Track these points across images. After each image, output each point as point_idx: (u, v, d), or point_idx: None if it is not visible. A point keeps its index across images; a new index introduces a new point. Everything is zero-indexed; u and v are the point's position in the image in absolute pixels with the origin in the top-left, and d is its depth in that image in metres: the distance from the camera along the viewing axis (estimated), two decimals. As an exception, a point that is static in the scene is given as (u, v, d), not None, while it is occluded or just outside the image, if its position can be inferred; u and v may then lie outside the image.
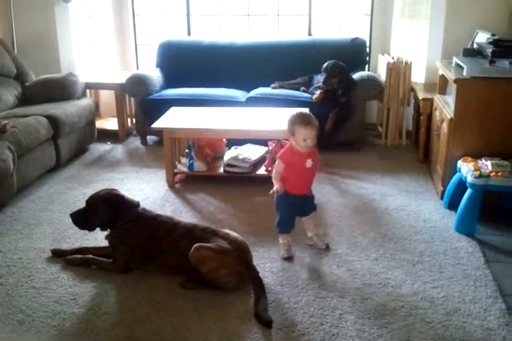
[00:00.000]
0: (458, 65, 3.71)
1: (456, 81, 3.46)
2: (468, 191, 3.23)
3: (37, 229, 3.38)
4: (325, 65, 4.80)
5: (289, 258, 2.97)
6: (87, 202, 2.89)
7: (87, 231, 3.04)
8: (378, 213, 3.59)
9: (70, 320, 2.46)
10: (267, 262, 2.94)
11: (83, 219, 2.88)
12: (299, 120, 2.84)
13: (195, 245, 2.65)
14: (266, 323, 2.39)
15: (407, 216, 3.53)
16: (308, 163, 2.90)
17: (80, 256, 2.97)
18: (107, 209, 2.82)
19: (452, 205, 3.54)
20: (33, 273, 2.87)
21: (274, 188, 2.90)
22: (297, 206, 3.01)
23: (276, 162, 2.98)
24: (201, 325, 2.41)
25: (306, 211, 3.08)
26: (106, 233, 2.95)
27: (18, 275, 2.84)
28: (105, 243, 2.97)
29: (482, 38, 3.98)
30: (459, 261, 2.95)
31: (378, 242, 3.17)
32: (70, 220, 2.90)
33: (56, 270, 2.90)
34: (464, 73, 3.46)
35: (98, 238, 3.15)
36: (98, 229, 2.93)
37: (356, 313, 2.48)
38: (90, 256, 2.96)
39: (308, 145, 2.85)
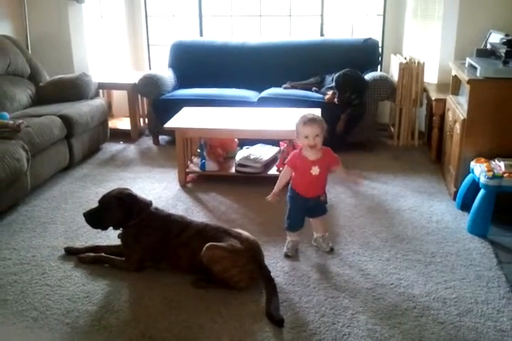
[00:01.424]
0: (471, 65, 3.70)
1: (469, 82, 3.45)
2: (482, 192, 3.21)
3: (50, 228, 3.40)
4: (335, 79, 4.73)
5: (288, 256, 2.98)
6: (99, 201, 2.91)
7: (99, 230, 3.05)
8: (390, 213, 3.58)
9: (83, 317, 2.48)
10: (278, 261, 2.95)
11: (96, 218, 2.90)
12: (302, 118, 2.87)
13: (207, 244, 2.66)
14: (277, 322, 2.40)
15: (419, 216, 3.52)
16: (314, 170, 2.89)
17: (92, 254, 2.99)
18: (119, 209, 2.84)
19: (465, 206, 3.53)
20: (47, 270, 2.89)
21: (269, 195, 3.01)
22: (306, 207, 3.01)
23: (285, 167, 3.00)
24: (213, 324, 2.42)
25: (315, 213, 3.07)
26: (119, 232, 2.97)
27: (32, 272, 2.87)
28: (118, 241, 2.99)
29: (495, 38, 3.95)
30: (471, 262, 2.93)
31: (390, 243, 3.17)
32: (83, 219, 2.93)
33: (69, 268, 2.92)
34: (478, 74, 3.45)
35: (111, 236, 3.17)
36: (111, 228, 2.94)
37: (368, 313, 2.48)
38: (103, 254, 2.98)
39: (310, 144, 2.83)
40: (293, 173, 2.96)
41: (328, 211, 3.12)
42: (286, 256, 3.00)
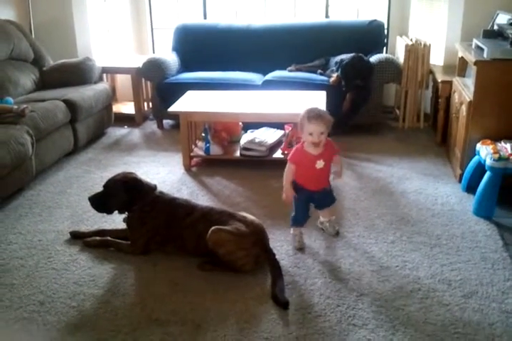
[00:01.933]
0: (478, 46, 3.66)
1: (476, 63, 3.41)
2: (487, 174, 3.20)
3: (56, 212, 3.42)
4: (343, 67, 4.64)
5: (300, 249, 2.92)
6: (104, 185, 2.91)
7: (105, 214, 3.06)
8: (395, 196, 3.57)
9: (89, 300, 2.50)
10: (283, 245, 2.95)
11: (101, 202, 2.91)
12: (307, 113, 2.73)
13: (213, 228, 2.67)
14: (283, 304, 2.41)
15: (424, 199, 3.51)
16: (319, 164, 2.80)
17: (98, 238, 3.00)
18: (124, 193, 2.85)
19: (470, 188, 3.51)
20: (53, 254, 2.91)
21: (283, 195, 2.90)
22: (311, 200, 2.95)
23: (287, 164, 2.88)
24: (219, 306, 2.43)
25: (324, 204, 3.02)
26: (124, 216, 2.98)
27: (38, 257, 2.89)
28: (123, 225, 3.00)
29: (503, 19, 3.91)
30: (476, 244, 2.93)
31: (395, 225, 3.16)
32: (88, 203, 2.93)
33: (75, 252, 2.93)
34: (485, 55, 3.41)
35: (116, 220, 3.18)
36: (116, 212, 2.95)
37: (373, 295, 2.49)
38: (108, 238, 2.99)
39: (314, 141, 2.72)
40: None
41: (336, 199, 3.07)
42: (299, 249, 2.91)
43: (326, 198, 2.99)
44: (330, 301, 2.45)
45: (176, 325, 2.31)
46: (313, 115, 2.71)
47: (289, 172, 2.86)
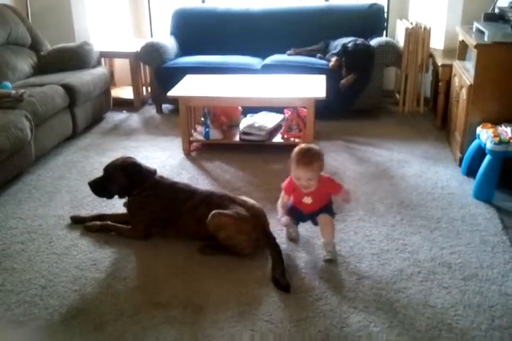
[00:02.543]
0: (479, 30, 3.63)
1: (477, 46, 3.39)
2: (488, 157, 3.20)
3: (55, 197, 3.41)
4: (345, 53, 4.62)
5: (292, 240, 2.84)
6: (104, 170, 2.90)
7: (105, 199, 3.05)
8: (395, 180, 3.57)
9: (90, 284, 2.51)
10: (283, 228, 2.94)
11: (101, 187, 2.91)
12: (296, 157, 2.53)
13: (213, 212, 2.67)
14: (284, 287, 2.42)
15: (424, 183, 3.51)
16: (306, 199, 2.64)
17: (98, 222, 3.01)
18: (124, 178, 2.84)
19: (470, 172, 3.51)
20: (53, 239, 2.91)
21: (281, 220, 2.72)
22: (307, 219, 2.79)
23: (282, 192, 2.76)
24: (220, 290, 2.44)
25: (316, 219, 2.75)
26: (124, 200, 2.98)
27: (39, 241, 2.89)
28: (123, 210, 2.99)
29: (504, 2, 3.87)
30: (476, 228, 2.94)
31: (395, 209, 3.17)
32: (88, 188, 2.93)
33: (76, 236, 2.94)
34: (485, 38, 3.39)
35: (116, 205, 3.18)
36: (116, 196, 2.95)
37: (373, 278, 2.50)
38: (109, 222, 2.99)
39: (302, 185, 2.57)
40: None
41: (336, 214, 2.78)
42: (291, 240, 2.84)
43: (320, 213, 2.71)
44: (330, 284, 2.46)
45: (177, 309, 2.32)
46: (302, 162, 2.50)
47: (282, 200, 2.77)
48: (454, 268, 2.57)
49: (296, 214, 2.74)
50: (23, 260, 2.71)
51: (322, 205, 2.68)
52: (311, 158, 2.52)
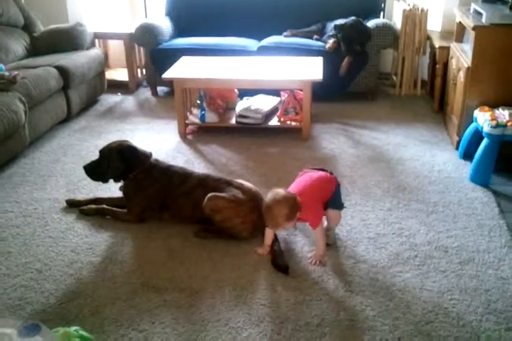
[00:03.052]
0: (476, 11, 3.59)
1: (474, 28, 3.36)
2: (485, 141, 3.18)
3: (50, 180, 3.39)
4: (342, 29, 4.58)
5: None
6: (99, 153, 2.88)
7: (100, 182, 3.03)
8: (392, 163, 3.56)
9: (86, 268, 2.50)
10: (280, 212, 2.94)
11: (96, 171, 2.89)
12: (265, 202, 2.46)
13: (209, 195, 2.66)
14: (283, 269, 2.43)
15: (421, 166, 3.50)
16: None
17: (94, 206, 2.99)
18: (119, 161, 2.82)
19: (467, 155, 3.50)
20: (49, 223, 2.89)
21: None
22: None
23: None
24: (216, 273, 2.44)
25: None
26: (120, 184, 2.96)
27: (34, 225, 2.87)
28: (119, 193, 2.98)
29: (503, -18, 3.83)
30: (473, 211, 2.94)
31: (392, 192, 3.16)
32: (84, 172, 2.91)
33: (71, 220, 2.92)
34: (483, 20, 3.35)
35: (112, 189, 3.15)
36: (111, 180, 2.93)
37: (370, 262, 2.50)
38: (105, 206, 2.98)
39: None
40: None
41: (343, 205, 2.67)
42: None
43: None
44: (327, 268, 2.46)
45: (173, 292, 2.32)
46: (270, 224, 2.47)
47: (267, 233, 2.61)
48: (451, 252, 2.57)
49: None
50: (18, 244, 2.70)
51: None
52: (274, 220, 2.41)
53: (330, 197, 2.57)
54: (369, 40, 4.61)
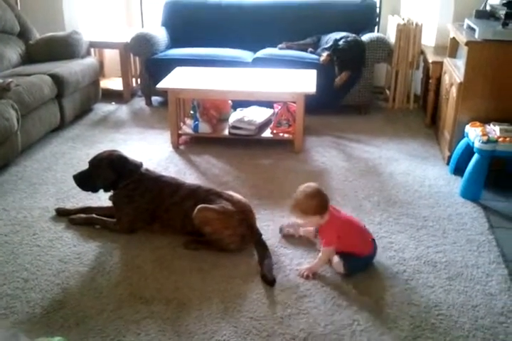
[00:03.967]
0: (470, 27, 3.63)
1: (467, 44, 3.39)
2: (476, 156, 3.20)
3: (41, 189, 3.38)
4: (338, 49, 4.60)
5: (285, 236, 2.84)
6: (89, 163, 2.87)
7: (90, 192, 3.03)
8: (383, 177, 3.57)
9: (74, 278, 2.49)
10: (270, 224, 2.94)
11: (86, 180, 2.88)
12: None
13: (199, 206, 2.65)
14: (270, 282, 2.42)
15: (412, 180, 3.51)
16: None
17: (84, 215, 2.98)
18: (109, 171, 2.81)
19: (458, 170, 3.51)
20: (37, 231, 2.88)
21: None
22: None
23: None
24: (204, 285, 2.43)
25: None
26: (110, 193, 2.95)
27: (23, 233, 2.86)
28: (109, 203, 2.97)
29: (495, -1, 3.87)
30: (463, 227, 2.94)
31: (382, 206, 3.16)
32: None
33: (60, 229, 2.91)
34: (476, 36, 3.38)
35: (102, 198, 3.14)
36: (101, 190, 2.92)
37: (358, 276, 2.49)
38: (94, 215, 2.97)
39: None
40: None
41: (347, 271, 2.52)
42: (284, 235, 2.83)
43: None
44: (315, 281, 2.46)
45: (160, 304, 2.31)
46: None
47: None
48: (440, 267, 2.57)
49: None
50: (6, 252, 2.68)
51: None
52: (291, 210, 2.55)
53: (350, 251, 2.52)
54: (364, 57, 4.64)
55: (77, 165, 3.65)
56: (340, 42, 4.63)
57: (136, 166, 2.89)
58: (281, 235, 2.84)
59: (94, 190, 2.92)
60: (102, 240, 2.80)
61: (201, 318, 2.22)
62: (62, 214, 3.04)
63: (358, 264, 2.53)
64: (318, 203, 2.47)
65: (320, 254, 2.53)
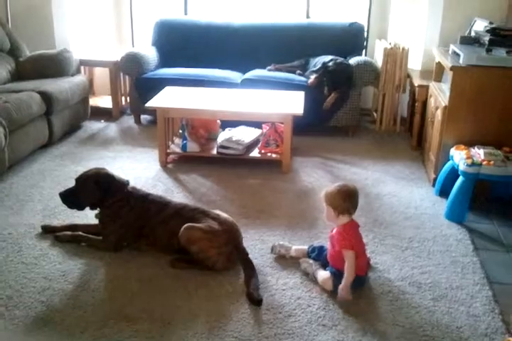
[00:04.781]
0: (455, 52, 3.70)
1: (452, 68, 3.45)
2: (460, 179, 3.24)
3: (28, 205, 3.37)
4: (327, 72, 4.68)
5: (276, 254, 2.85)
6: (76, 181, 2.87)
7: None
8: (369, 198, 3.60)
9: (58, 295, 2.47)
10: (257, 244, 2.95)
11: (72, 198, 2.87)
12: None
13: (186, 225, 2.65)
14: (256, 302, 2.42)
15: (398, 202, 3.54)
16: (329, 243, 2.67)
17: (70, 232, 2.97)
18: (96, 189, 2.81)
19: (444, 193, 3.55)
20: (23, 248, 2.86)
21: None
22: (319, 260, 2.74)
23: None
24: (189, 304, 2.42)
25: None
26: (96, 211, 2.94)
27: (8, 250, 2.84)
28: (95, 221, 2.96)
29: (480, 25, 3.95)
30: (447, 248, 2.96)
31: (368, 227, 3.18)
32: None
33: (46, 246, 2.89)
34: (461, 61, 3.45)
35: (89, 215, 3.13)
36: (88, 208, 2.92)
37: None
38: (80, 233, 2.96)
39: None
40: None
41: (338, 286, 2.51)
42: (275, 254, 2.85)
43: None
44: (301, 301, 2.46)
45: (145, 322, 2.29)
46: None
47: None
48: (424, 288, 2.59)
49: (319, 250, 2.77)
50: (-10, 269, 2.67)
51: (333, 262, 2.59)
52: (323, 199, 2.58)
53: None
54: (352, 81, 4.71)
55: (65, 182, 3.65)
56: (330, 64, 4.70)
57: (122, 184, 2.89)
58: (272, 254, 2.84)
59: (81, 208, 2.92)
60: (87, 258, 2.79)
61: (186, 338, 2.21)
62: (48, 231, 3.03)
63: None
64: (348, 204, 2.53)
65: (346, 264, 2.46)
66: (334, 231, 2.61)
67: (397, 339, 2.22)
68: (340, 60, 4.77)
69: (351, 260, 2.46)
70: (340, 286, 2.44)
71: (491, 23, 3.81)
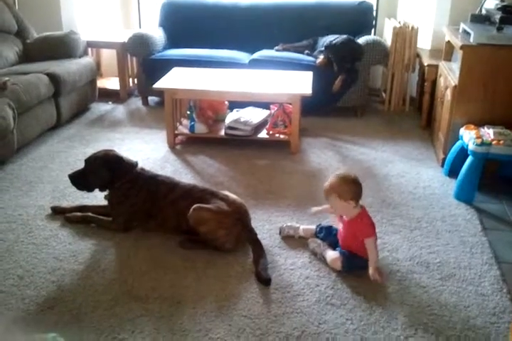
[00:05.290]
0: (465, 31, 3.65)
1: (462, 47, 3.41)
2: (469, 159, 3.22)
3: (37, 187, 3.39)
4: (334, 47, 4.61)
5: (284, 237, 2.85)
6: (85, 163, 2.88)
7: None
8: (378, 179, 3.59)
9: (69, 275, 2.50)
10: (265, 224, 2.96)
11: (82, 180, 2.88)
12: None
13: (194, 206, 2.66)
14: (264, 281, 2.43)
15: (406, 182, 3.53)
16: (340, 225, 2.64)
17: (79, 213, 2.99)
18: (105, 170, 2.82)
19: (452, 173, 3.54)
20: (33, 229, 2.89)
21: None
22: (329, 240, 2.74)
23: None
24: (199, 284, 2.44)
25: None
26: (105, 192, 2.96)
27: (18, 231, 2.87)
28: (105, 202, 2.98)
29: (491, 3, 3.89)
30: (456, 228, 2.96)
31: (376, 207, 3.18)
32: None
33: (56, 227, 2.92)
34: (471, 40, 3.41)
35: (98, 197, 3.15)
36: (97, 189, 2.94)
37: (351, 276, 2.50)
38: (90, 214, 2.98)
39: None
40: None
41: (346, 268, 2.55)
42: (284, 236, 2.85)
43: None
44: (309, 281, 2.47)
45: (155, 302, 2.32)
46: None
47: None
48: (432, 267, 2.59)
49: (327, 230, 2.77)
50: (1, 250, 2.69)
51: (345, 245, 2.59)
52: (326, 193, 2.55)
53: (358, 250, 2.52)
54: (361, 58, 4.66)
55: (74, 163, 3.67)
56: (334, 41, 4.66)
57: (131, 165, 2.90)
58: (280, 236, 2.85)
59: (90, 189, 2.93)
60: (97, 238, 2.81)
61: (195, 316, 2.23)
62: (57, 212, 3.05)
63: (356, 263, 2.53)
64: (354, 189, 2.50)
65: (367, 248, 2.47)
66: (347, 219, 2.57)
67: (405, 318, 2.23)
68: (345, 36, 4.71)
69: (373, 245, 2.47)
70: (370, 272, 2.41)
71: (502, 0, 3.75)
